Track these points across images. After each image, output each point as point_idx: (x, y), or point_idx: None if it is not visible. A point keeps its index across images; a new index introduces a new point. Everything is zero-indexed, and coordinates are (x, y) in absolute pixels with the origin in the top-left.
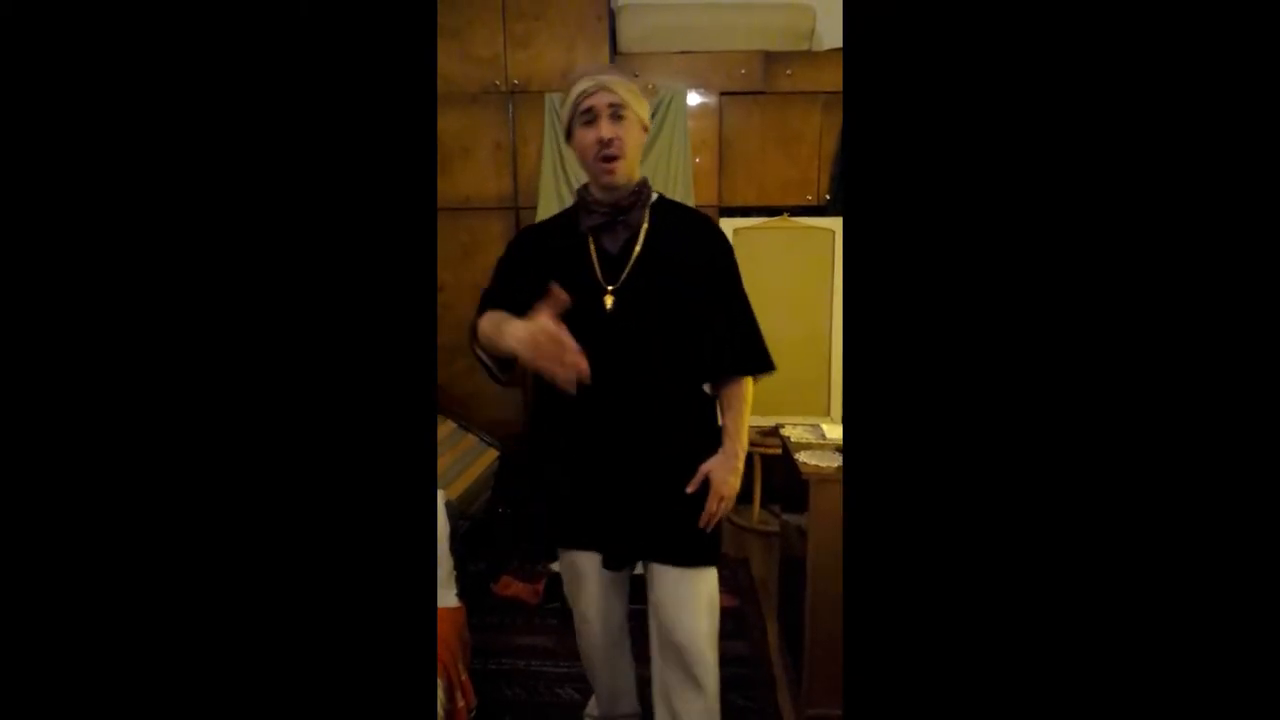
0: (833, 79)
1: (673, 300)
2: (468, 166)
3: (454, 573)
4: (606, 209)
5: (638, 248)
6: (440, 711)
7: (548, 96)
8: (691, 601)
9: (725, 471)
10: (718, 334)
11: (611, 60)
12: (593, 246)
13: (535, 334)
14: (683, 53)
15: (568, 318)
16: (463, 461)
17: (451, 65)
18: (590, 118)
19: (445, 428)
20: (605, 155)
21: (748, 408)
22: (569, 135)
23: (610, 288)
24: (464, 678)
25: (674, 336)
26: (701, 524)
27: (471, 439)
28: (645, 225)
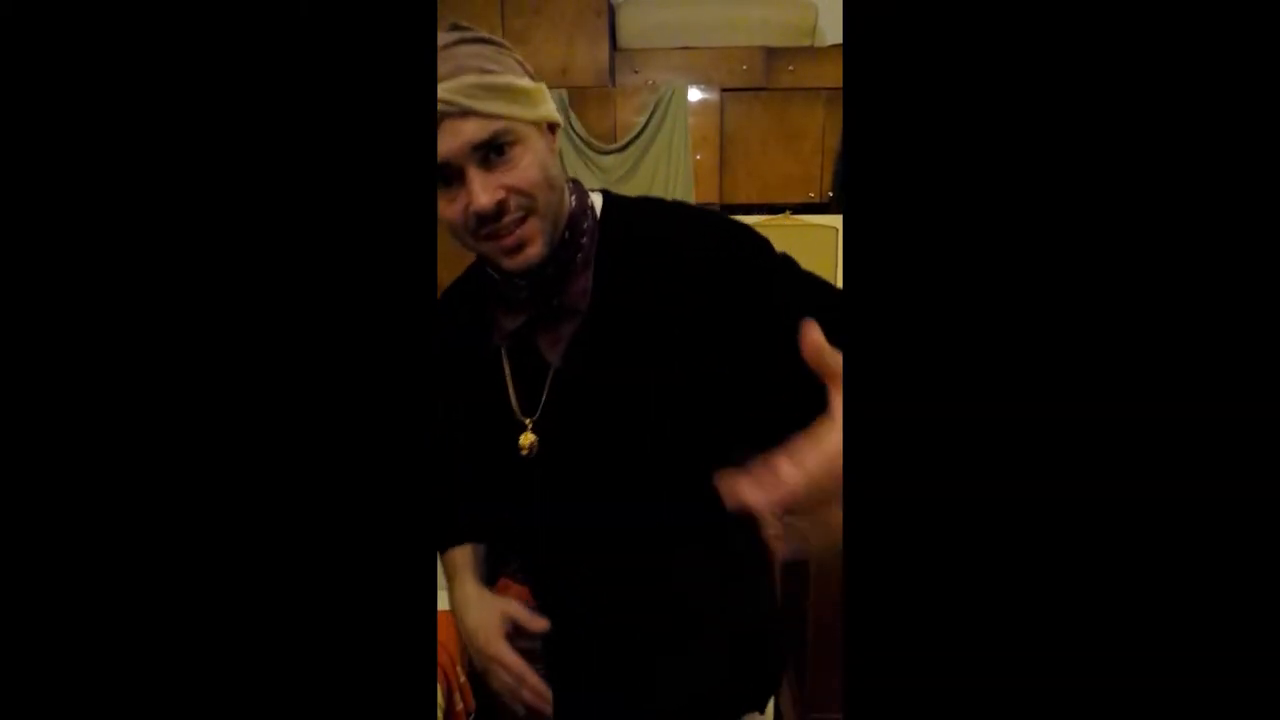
0: (835, 75)
1: (637, 413)
2: None
3: None
4: (525, 291)
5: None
6: (439, 714)
7: None
8: None
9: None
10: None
11: (611, 56)
12: (506, 360)
13: (486, 658)
14: (683, 48)
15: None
16: None
17: None
18: (447, 176)
19: None
20: (491, 233)
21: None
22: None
23: (529, 419)
24: (463, 680)
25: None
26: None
27: None
28: (592, 288)
